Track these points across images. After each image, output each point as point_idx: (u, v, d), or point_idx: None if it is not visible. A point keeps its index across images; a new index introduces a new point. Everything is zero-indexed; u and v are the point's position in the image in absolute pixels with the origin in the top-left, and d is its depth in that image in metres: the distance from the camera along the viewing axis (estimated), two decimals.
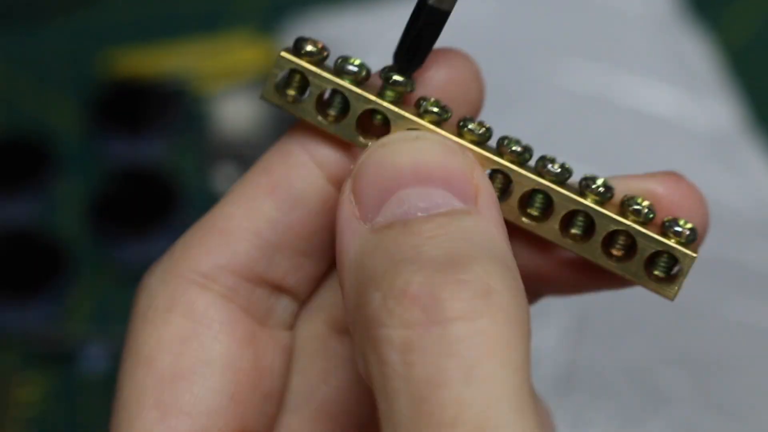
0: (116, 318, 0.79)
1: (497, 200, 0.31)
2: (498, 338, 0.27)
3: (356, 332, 0.29)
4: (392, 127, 0.32)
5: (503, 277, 0.28)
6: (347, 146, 0.34)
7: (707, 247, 0.74)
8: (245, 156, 0.85)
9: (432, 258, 0.28)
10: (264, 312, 0.34)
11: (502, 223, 0.31)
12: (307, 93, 0.33)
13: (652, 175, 0.34)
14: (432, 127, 0.32)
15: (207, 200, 0.83)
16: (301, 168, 0.34)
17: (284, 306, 0.35)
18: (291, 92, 0.34)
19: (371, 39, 0.84)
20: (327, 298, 0.35)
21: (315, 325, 0.35)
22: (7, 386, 0.76)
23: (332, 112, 0.33)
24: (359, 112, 0.33)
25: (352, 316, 0.29)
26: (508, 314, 0.28)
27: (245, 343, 0.33)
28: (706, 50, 0.84)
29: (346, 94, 0.33)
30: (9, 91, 0.90)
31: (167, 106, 0.87)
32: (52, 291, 0.79)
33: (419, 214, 0.30)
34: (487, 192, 0.31)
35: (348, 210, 0.31)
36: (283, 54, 0.33)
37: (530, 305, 0.37)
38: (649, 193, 0.34)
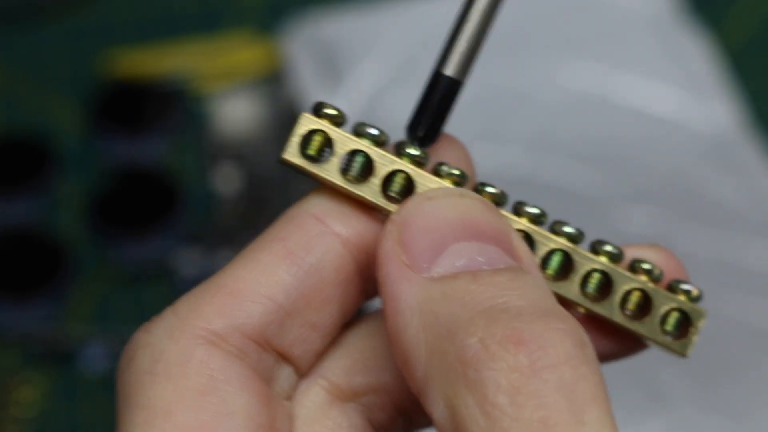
0: (116, 318, 0.79)
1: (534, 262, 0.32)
2: (597, 384, 0.29)
3: (435, 378, 0.30)
4: (417, 189, 0.33)
5: (581, 330, 0.30)
6: (363, 213, 0.34)
7: (707, 246, 0.75)
8: (245, 156, 0.85)
9: (522, 308, 0.30)
10: (270, 379, 0.34)
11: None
12: (325, 156, 0.34)
13: (642, 246, 0.36)
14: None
15: (207, 200, 0.83)
16: (318, 235, 0.34)
17: (286, 375, 0.35)
18: (312, 153, 0.34)
19: (371, 39, 0.84)
20: (326, 368, 0.35)
21: (315, 394, 0.35)
22: (7, 386, 0.76)
23: (351, 175, 0.33)
24: (386, 172, 0.33)
25: (425, 362, 0.30)
26: (597, 363, 0.30)
27: (263, 402, 0.33)
28: (706, 50, 0.84)
29: (372, 155, 0.33)
30: (9, 91, 0.90)
31: (167, 106, 0.87)
32: (52, 291, 0.79)
33: (484, 267, 0.31)
34: (527, 252, 0.32)
35: (396, 259, 0.31)
36: (306, 115, 0.33)
37: None
38: (648, 259, 0.35)
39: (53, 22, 0.93)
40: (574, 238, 0.34)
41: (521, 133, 0.77)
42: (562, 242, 0.34)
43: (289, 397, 0.35)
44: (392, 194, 0.33)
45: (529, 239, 0.33)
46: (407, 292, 0.31)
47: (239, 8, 0.94)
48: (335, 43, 0.85)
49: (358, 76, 0.82)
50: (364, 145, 0.34)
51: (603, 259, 0.34)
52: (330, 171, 0.34)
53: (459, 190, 0.33)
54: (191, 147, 0.86)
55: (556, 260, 0.34)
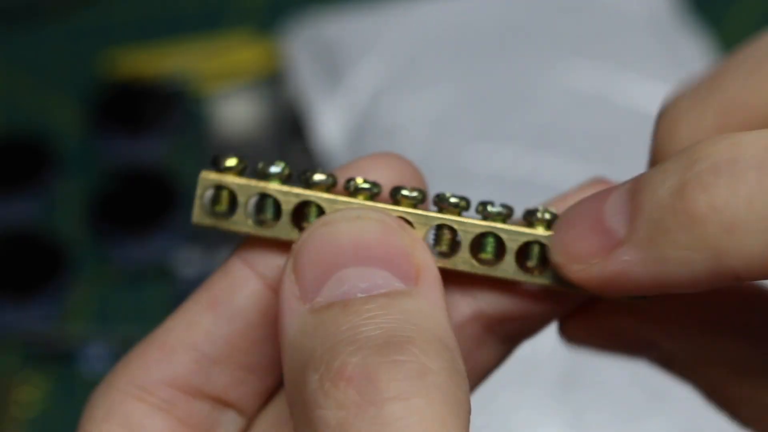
0: (116, 318, 0.79)
1: (439, 278, 0.31)
2: (434, 417, 0.27)
3: (294, 414, 0.29)
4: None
5: (440, 357, 0.28)
6: (289, 251, 0.33)
7: None
8: (245, 156, 0.85)
9: (369, 339, 0.28)
10: (207, 426, 0.34)
11: (443, 302, 0.31)
12: (237, 207, 0.34)
13: (582, 186, 0.35)
14: (369, 203, 0.32)
15: None
16: (240, 281, 0.34)
17: (230, 420, 0.35)
18: (221, 209, 0.34)
19: (371, 39, 0.84)
20: (281, 412, 0.35)
21: None
22: (7, 386, 0.76)
23: (268, 217, 0.33)
24: (291, 207, 0.33)
25: (291, 397, 0.30)
26: (444, 393, 0.28)
27: None
28: (706, 50, 0.84)
29: (274, 194, 0.33)
30: (9, 91, 0.90)
31: (167, 106, 0.87)
32: (52, 291, 0.79)
33: (359, 294, 0.30)
34: (429, 270, 0.31)
35: (288, 289, 0.31)
36: (204, 174, 0.33)
37: (510, 350, 0.37)
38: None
39: (53, 22, 0.93)
40: (501, 215, 0.33)
41: (521, 133, 0.77)
42: (483, 224, 0.33)
43: None
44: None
45: (453, 232, 0.33)
46: (288, 324, 0.30)
47: (239, 8, 0.94)
48: (335, 43, 0.85)
49: (358, 76, 0.82)
50: (264, 187, 0.33)
51: (539, 229, 0.33)
52: (241, 221, 0.33)
53: (357, 212, 0.31)
54: (191, 147, 0.86)
55: (488, 244, 0.33)
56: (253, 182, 0.34)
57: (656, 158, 0.35)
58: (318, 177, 0.33)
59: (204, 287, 0.35)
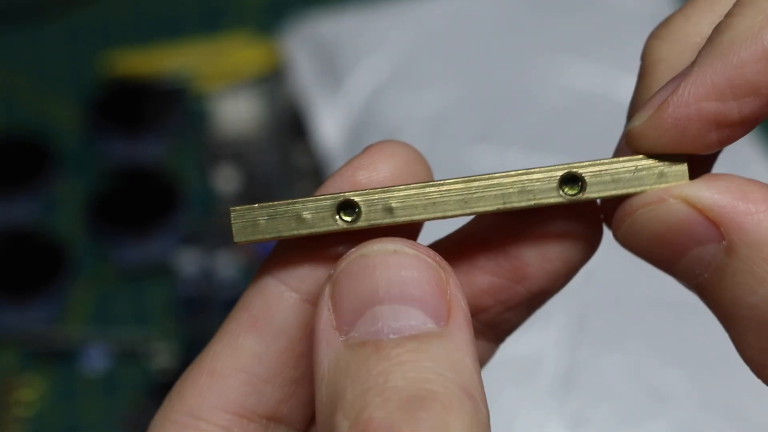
0: (116, 318, 0.79)
1: (469, 315, 0.31)
2: None
3: None
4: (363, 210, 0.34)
5: (462, 413, 0.29)
6: (318, 264, 0.34)
7: None
8: (245, 156, 0.85)
9: (396, 389, 0.29)
10: None
11: (471, 339, 0.31)
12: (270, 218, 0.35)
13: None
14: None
15: (207, 200, 0.83)
16: (276, 297, 0.34)
17: None
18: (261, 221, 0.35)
19: (371, 39, 0.84)
20: None
21: None
22: (7, 386, 0.76)
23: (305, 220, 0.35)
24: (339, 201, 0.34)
25: (321, 429, 0.30)
26: None
27: None
28: None
29: (297, 207, 0.34)
30: (9, 91, 0.90)
31: (167, 106, 0.87)
32: (52, 291, 0.79)
33: (391, 335, 0.30)
34: (460, 308, 0.31)
35: (325, 318, 0.31)
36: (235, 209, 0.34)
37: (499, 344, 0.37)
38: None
39: (53, 22, 0.93)
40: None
41: (521, 132, 0.77)
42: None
43: None
44: (346, 219, 0.34)
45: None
46: (323, 354, 0.31)
47: (239, 8, 0.94)
48: (335, 43, 0.85)
49: (358, 76, 0.82)
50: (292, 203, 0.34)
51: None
52: (285, 227, 0.34)
53: (393, 246, 0.32)
54: (191, 147, 0.86)
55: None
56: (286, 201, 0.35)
57: (646, 77, 0.35)
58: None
59: (241, 308, 0.35)
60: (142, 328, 0.78)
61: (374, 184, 0.34)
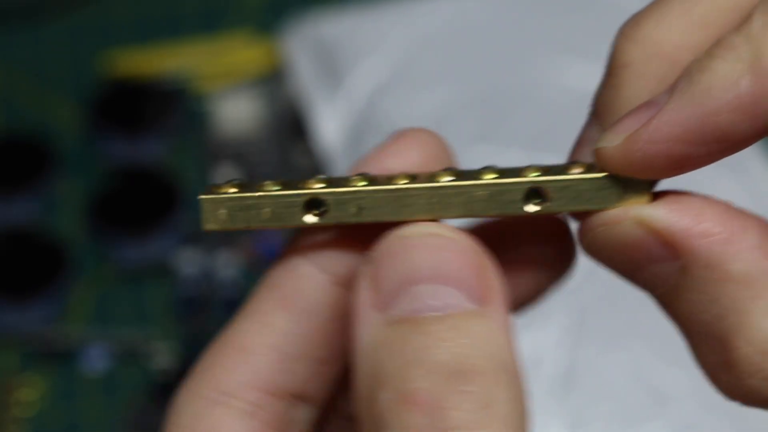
0: (116, 318, 0.79)
1: (506, 299, 0.32)
2: None
3: (363, 425, 0.30)
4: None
5: (506, 387, 0.30)
6: (349, 246, 0.35)
7: None
8: (245, 156, 0.85)
9: (439, 363, 0.29)
10: (286, 424, 0.35)
11: (509, 324, 0.32)
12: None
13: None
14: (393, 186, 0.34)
15: None
16: (308, 278, 0.35)
17: (304, 413, 0.36)
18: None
19: (371, 39, 0.84)
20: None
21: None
22: (7, 386, 0.76)
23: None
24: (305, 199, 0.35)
25: (361, 406, 0.30)
26: (508, 426, 0.29)
27: None
28: None
29: (273, 198, 0.35)
30: (9, 91, 0.90)
31: (167, 106, 0.87)
32: (52, 291, 0.79)
33: (431, 313, 0.30)
34: (498, 292, 0.31)
35: (363, 296, 0.31)
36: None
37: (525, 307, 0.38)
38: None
39: (53, 22, 0.93)
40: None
41: (521, 133, 0.77)
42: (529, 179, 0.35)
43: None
44: (314, 215, 0.35)
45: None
46: (362, 332, 0.31)
47: (239, 8, 0.94)
48: (335, 44, 0.85)
49: (358, 76, 0.82)
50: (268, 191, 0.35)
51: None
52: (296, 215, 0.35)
53: (434, 228, 0.32)
54: (191, 147, 0.86)
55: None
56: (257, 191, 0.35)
57: (615, 65, 0.35)
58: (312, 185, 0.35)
59: (270, 286, 0.35)
60: (142, 328, 0.78)
61: (402, 170, 0.35)
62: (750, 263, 0.32)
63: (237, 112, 0.87)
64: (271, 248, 0.80)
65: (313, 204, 0.34)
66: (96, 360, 0.77)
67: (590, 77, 0.38)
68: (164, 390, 0.75)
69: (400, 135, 0.36)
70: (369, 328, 0.31)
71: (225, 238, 0.81)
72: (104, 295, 0.80)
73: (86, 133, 0.87)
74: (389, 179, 0.34)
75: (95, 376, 0.77)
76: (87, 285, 0.80)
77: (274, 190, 0.34)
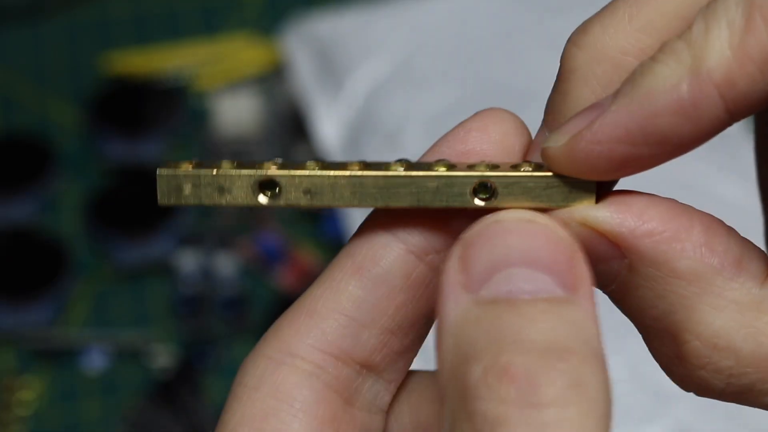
0: (115, 317, 0.79)
1: (593, 290, 0.33)
2: (583, 428, 0.29)
3: (448, 397, 0.31)
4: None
5: (595, 370, 0.30)
6: (429, 222, 0.35)
7: None
8: (244, 155, 0.85)
9: (534, 341, 0.30)
10: (351, 392, 0.36)
11: (596, 313, 0.32)
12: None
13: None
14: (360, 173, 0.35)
15: None
16: (383, 247, 0.35)
17: (371, 385, 0.36)
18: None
19: (371, 39, 0.84)
20: (424, 388, 0.37)
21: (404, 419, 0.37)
22: (7, 386, 0.76)
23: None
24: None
25: (446, 380, 0.31)
26: (595, 406, 0.30)
27: (326, 422, 0.35)
28: None
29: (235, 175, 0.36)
30: (9, 91, 0.90)
31: (166, 106, 0.87)
32: (52, 291, 0.79)
33: (524, 296, 0.31)
34: (587, 282, 0.32)
35: (453, 276, 0.32)
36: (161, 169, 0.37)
37: None
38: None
39: (52, 21, 0.93)
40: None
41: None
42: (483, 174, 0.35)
43: (376, 409, 0.36)
44: (266, 196, 0.35)
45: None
46: (451, 310, 0.31)
47: (239, 8, 0.94)
48: (334, 44, 0.85)
49: (358, 75, 0.82)
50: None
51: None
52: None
53: (529, 214, 0.33)
54: (191, 146, 0.86)
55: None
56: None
57: (563, 77, 0.36)
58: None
59: (346, 254, 0.36)
60: (142, 328, 0.78)
61: (485, 146, 0.36)
62: (695, 260, 0.33)
63: (236, 112, 0.87)
64: (271, 248, 0.80)
65: (267, 185, 0.35)
66: (95, 360, 0.77)
67: None
68: (164, 389, 0.75)
69: (480, 114, 0.36)
70: (458, 305, 0.31)
71: (225, 238, 0.81)
72: (104, 294, 0.80)
73: (86, 132, 0.87)
74: (342, 166, 0.35)
75: (95, 376, 0.77)
76: (87, 285, 0.80)
77: (229, 168, 0.35)
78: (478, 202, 0.34)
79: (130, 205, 0.82)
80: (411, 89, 0.81)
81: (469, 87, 0.81)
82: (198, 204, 0.35)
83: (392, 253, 0.35)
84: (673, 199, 0.33)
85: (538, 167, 0.34)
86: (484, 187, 0.34)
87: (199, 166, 0.36)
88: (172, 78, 0.89)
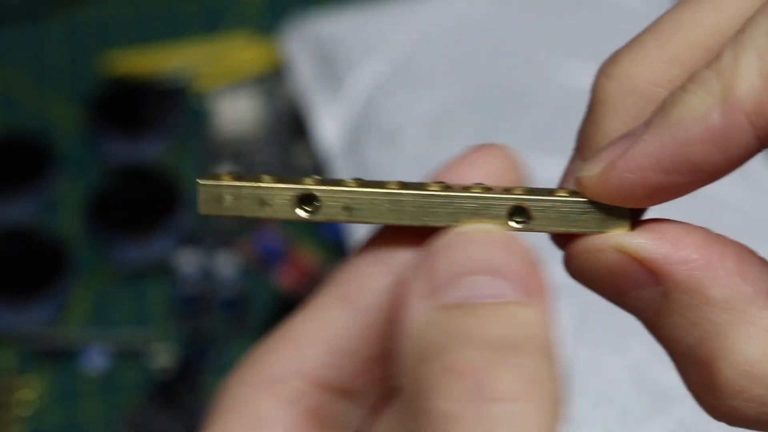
0: (115, 317, 0.79)
1: (551, 300, 0.33)
2: (537, 423, 0.29)
3: (403, 400, 0.31)
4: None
5: (546, 368, 0.31)
6: (414, 247, 0.36)
7: None
8: (244, 155, 0.85)
9: (487, 340, 0.30)
10: (331, 418, 0.36)
11: (552, 323, 0.33)
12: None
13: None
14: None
15: None
16: (371, 277, 0.36)
17: (349, 410, 0.36)
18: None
19: (371, 39, 0.84)
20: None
21: None
22: (7, 386, 0.76)
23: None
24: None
25: (404, 382, 0.31)
26: (548, 402, 0.30)
27: None
28: None
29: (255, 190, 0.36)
30: (9, 91, 0.90)
31: (167, 106, 0.87)
32: (52, 291, 0.79)
33: (483, 300, 0.32)
34: (543, 289, 0.33)
35: (417, 285, 0.32)
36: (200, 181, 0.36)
37: None
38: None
39: (53, 21, 0.93)
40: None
41: (521, 133, 0.77)
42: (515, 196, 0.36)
43: (351, 431, 0.36)
44: (306, 211, 0.36)
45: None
46: (413, 316, 0.32)
47: (239, 8, 0.94)
48: (335, 43, 0.85)
49: (358, 75, 0.82)
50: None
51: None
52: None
53: (491, 227, 0.34)
54: (191, 146, 0.86)
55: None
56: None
57: (596, 108, 0.37)
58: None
59: (334, 283, 0.36)
60: (142, 328, 0.78)
61: (477, 180, 0.36)
62: (729, 288, 0.33)
63: (237, 112, 0.87)
64: (271, 248, 0.80)
65: (306, 199, 0.35)
66: (95, 359, 0.77)
67: (590, 77, 0.39)
68: (164, 389, 0.75)
69: (477, 148, 0.37)
70: (419, 312, 0.32)
71: (225, 238, 0.81)
72: (104, 294, 0.80)
73: (86, 132, 0.87)
74: (381, 184, 0.35)
75: (95, 376, 0.77)
76: (87, 285, 0.80)
77: (270, 182, 0.36)
78: (513, 224, 0.35)
79: (130, 205, 0.82)
80: (411, 89, 0.81)
81: (469, 87, 0.81)
82: (238, 216, 0.36)
83: (379, 285, 0.35)
84: (706, 228, 0.34)
85: (573, 194, 0.35)
86: (520, 211, 0.35)
87: (238, 178, 0.36)
88: (172, 78, 0.89)
